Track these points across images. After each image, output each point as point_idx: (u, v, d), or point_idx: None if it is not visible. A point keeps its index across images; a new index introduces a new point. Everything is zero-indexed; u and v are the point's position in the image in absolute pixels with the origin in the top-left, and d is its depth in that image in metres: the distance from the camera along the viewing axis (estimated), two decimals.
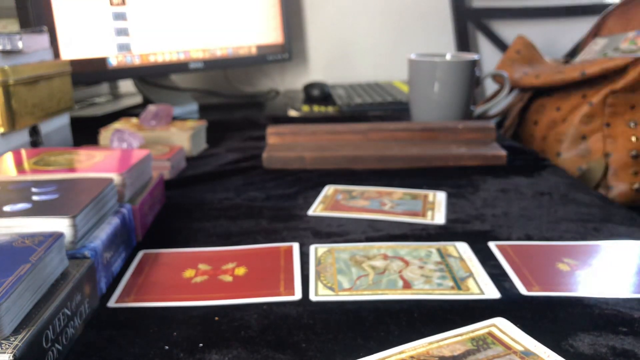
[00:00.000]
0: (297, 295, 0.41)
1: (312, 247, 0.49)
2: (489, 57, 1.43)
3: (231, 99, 1.26)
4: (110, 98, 1.22)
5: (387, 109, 1.05)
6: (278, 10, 1.22)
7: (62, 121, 0.79)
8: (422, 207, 0.58)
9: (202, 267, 0.45)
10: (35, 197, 0.43)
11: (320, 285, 0.42)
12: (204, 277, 0.43)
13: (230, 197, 0.62)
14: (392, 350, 0.33)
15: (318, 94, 1.21)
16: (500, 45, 1.40)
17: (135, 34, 0.98)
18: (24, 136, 0.68)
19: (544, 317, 0.37)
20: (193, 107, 1.11)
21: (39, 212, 0.40)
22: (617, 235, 0.51)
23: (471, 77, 0.86)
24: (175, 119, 0.94)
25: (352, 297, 0.40)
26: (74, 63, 0.82)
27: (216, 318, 0.38)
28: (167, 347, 0.35)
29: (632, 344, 0.34)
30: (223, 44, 1.11)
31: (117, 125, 0.80)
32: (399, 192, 0.63)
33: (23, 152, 0.56)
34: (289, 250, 0.48)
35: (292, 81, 1.44)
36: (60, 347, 0.33)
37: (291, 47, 1.27)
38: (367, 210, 0.57)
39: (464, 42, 1.39)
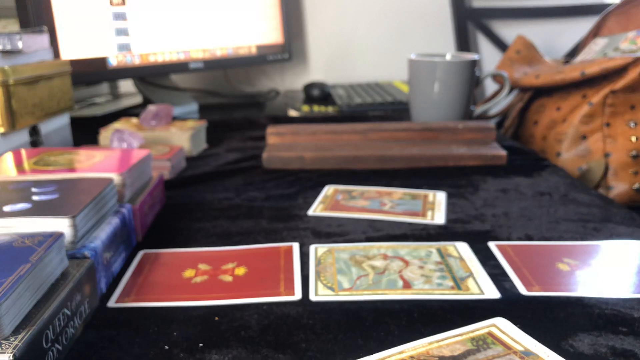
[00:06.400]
0: (297, 295, 0.41)
1: (312, 247, 0.49)
2: (489, 57, 1.43)
3: (231, 99, 1.26)
4: (110, 98, 1.23)
5: (387, 109, 1.05)
6: (278, 10, 1.22)
7: (62, 121, 0.79)
8: (422, 207, 0.58)
9: (202, 267, 0.45)
10: (35, 197, 0.43)
11: (320, 285, 0.42)
12: (204, 277, 0.43)
13: (230, 197, 0.62)
14: (392, 350, 0.33)
15: (318, 94, 1.21)
16: (500, 45, 1.40)
17: (135, 34, 0.98)
18: (24, 136, 0.68)
19: (544, 317, 0.37)
20: (193, 107, 1.11)
21: (39, 212, 0.40)
22: (617, 235, 0.51)
23: (471, 77, 0.86)
24: (175, 119, 0.94)
25: (352, 297, 0.40)
26: (74, 63, 0.82)
27: (216, 318, 0.38)
28: (167, 347, 0.35)
29: (632, 344, 0.34)
30: (223, 44, 1.11)
31: (117, 125, 0.80)
32: (399, 192, 0.63)
33: (23, 152, 0.56)
34: (289, 250, 0.48)
35: (292, 81, 1.44)
36: (60, 347, 0.33)
37: (291, 47, 1.27)
38: (367, 210, 0.57)
39: (464, 42, 1.39)
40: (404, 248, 0.48)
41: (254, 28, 1.17)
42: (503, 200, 0.60)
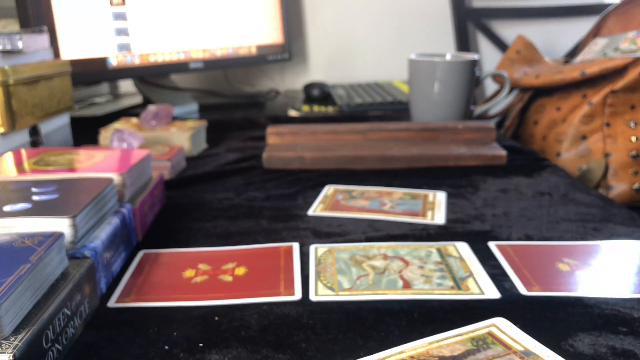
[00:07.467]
0: (297, 295, 0.41)
1: (312, 247, 0.48)
2: (489, 57, 1.43)
3: (231, 99, 1.26)
4: (110, 98, 1.23)
5: (387, 109, 1.05)
6: (278, 10, 1.22)
7: (62, 121, 0.79)
8: (422, 207, 0.58)
9: (202, 267, 0.45)
10: (35, 197, 0.43)
11: (320, 285, 0.42)
12: (204, 277, 0.43)
13: (230, 197, 0.62)
14: (392, 350, 0.33)
15: (318, 94, 1.21)
16: (500, 45, 1.40)
17: (135, 34, 0.98)
18: (24, 136, 0.68)
19: (544, 317, 0.37)
20: (193, 107, 1.11)
21: (39, 212, 0.40)
22: (617, 235, 0.51)
23: (471, 77, 0.86)
24: (175, 119, 0.94)
25: (352, 297, 0.40)
26: (74, 63, 0.82)
27: (216, 318, 0.38)
28: (167, 347, 0.35)
29: (632, 344, 0.34)
30: (223, 44, 1.11)
31: (117, 125, 0.80)
32: (399, 192, 0.63)
33: (23, 152, 0.56)
34: (289, 250, 0.48)
35: (292, 81, 1.44)
36: (60, 347, 0.33)
37: (291, 47, 1.27)
38: (367, 210, 0.57)
39: (464, 42, 1.39)
40: (404, 248, 0.48)
41: (254, 28, 1.17)
42: (503, 200, 0.60)
